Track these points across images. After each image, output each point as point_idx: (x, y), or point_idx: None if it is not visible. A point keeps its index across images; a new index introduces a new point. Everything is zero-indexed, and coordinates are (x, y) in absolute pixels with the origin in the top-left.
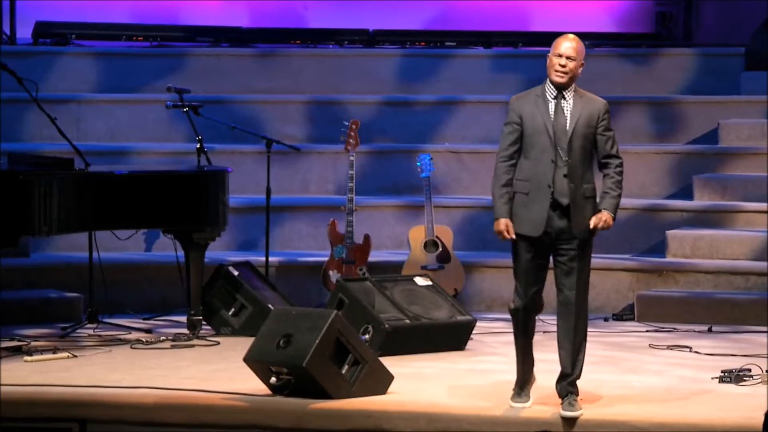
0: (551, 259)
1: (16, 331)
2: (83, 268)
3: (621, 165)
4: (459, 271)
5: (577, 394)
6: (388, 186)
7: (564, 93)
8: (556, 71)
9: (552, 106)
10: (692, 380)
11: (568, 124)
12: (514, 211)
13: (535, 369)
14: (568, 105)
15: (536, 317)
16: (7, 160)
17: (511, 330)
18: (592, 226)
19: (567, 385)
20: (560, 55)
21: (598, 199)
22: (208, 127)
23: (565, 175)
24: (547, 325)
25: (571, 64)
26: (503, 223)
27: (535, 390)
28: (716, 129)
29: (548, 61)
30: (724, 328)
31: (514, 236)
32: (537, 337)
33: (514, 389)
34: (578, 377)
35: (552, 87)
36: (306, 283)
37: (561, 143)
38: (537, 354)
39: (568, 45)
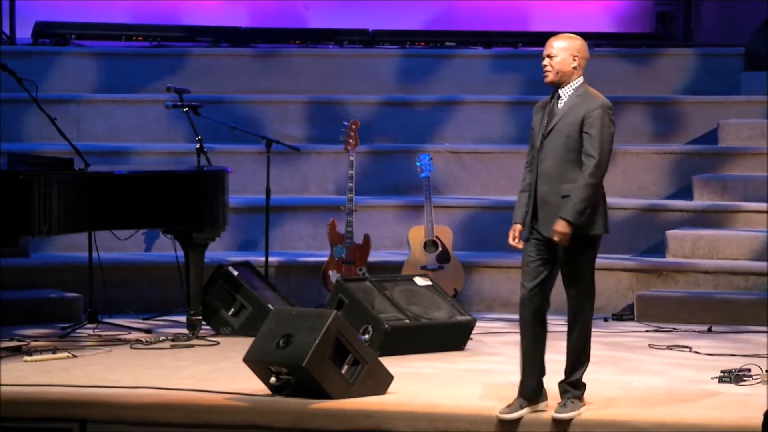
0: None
1: (16, 331)
2: (83, 268)
3: (594, 166)
4: (459, 271)
5: (578, 396)
6: (388, 186)
7: (560, 92)
8: (543, 72)
9: (549, 107)
10: (692, 380)
11: (552, 122)
12: None
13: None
14: (561, 103)
15: (543, 321)
16: (7, 160)
17: (511, 330)
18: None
19: (565, 384)
20: (543, 57)
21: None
22: (207, 127)
23: (539, 175)
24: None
25: (553, 61)
26: (513, 229)
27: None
28: (716, 129)
29: None
30: (723, 328)
31: (518, 244)
32: None
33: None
34: (578, 379)
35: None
36: (306, 283)
37: (542, 141)
38: None
39: (550, 43)
